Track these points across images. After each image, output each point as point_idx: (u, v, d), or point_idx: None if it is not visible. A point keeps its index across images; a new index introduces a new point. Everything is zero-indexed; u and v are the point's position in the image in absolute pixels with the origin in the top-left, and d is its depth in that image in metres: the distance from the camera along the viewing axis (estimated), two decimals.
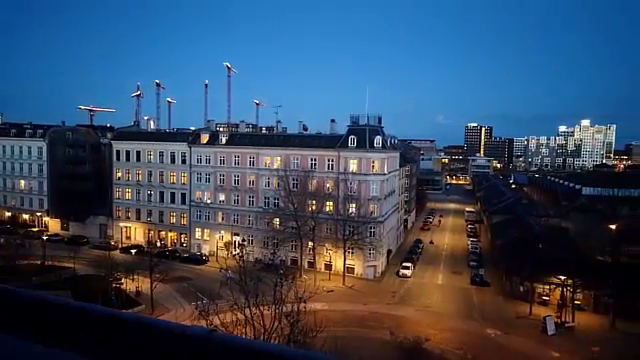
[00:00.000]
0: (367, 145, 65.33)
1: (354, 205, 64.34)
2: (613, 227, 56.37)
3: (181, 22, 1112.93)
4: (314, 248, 64.44)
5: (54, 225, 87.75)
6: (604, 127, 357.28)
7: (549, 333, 45.75)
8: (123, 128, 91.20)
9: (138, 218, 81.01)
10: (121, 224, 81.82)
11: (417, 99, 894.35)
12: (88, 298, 43.53)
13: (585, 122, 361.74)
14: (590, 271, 49.87)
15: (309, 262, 65.81)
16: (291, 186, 66.01)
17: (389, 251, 73.51)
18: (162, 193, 78.83)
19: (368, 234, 64.24)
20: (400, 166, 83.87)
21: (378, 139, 66.13)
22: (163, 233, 79.60)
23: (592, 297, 52.88)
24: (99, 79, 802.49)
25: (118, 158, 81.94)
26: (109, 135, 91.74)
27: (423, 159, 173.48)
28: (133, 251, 66.40)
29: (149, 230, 79.68)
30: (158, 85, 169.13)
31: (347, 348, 27.35)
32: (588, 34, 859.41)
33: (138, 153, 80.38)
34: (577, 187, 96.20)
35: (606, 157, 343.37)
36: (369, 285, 61.34)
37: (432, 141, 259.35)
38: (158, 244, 76.57)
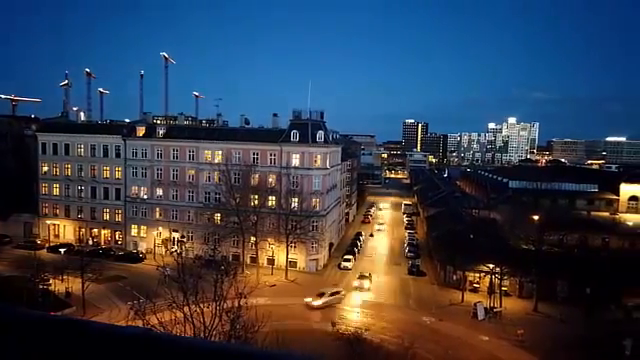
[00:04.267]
0: (309, 140, 65.67)
1: (297, 199, 64.55)
2: (536, 218, 60.76)
3: (116, 7, 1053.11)
4: (256, 243, 63.99)
5: None
6: (529, 125, 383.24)
7: (479, 318, 48.71)
8: (50, 119, 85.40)
9: (67, 215, 76.33)
10: (48, 222, 76.70)
11: (358, 95, 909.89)
12: (11, 301, 40.47)
13: (512, 120, 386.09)
14: (516, 259, 53.54)
15: (251, 257, 65.28)
16: (233, 181, 64.93)
17: (331, 244, 74.59)
18: (94, 188, 74.75)
19: (311, 228, 64.72)
20: (342, 160, 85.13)
21: (320, 134, 66.68)
22: (96, 231, 75.59)
23: (517, 283, 56.79)
24: (22, 66, 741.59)
25: (44, 151, 76.56)
26: (34, 127, 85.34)
27: (364, 154, 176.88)
28: (62, 250, 62.62)
29: (80, 228, 75.39)
30: (89, 74, 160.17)
31: (289, 342, 27.51)
32: (513, 40, 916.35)
33: (67, 146, 75.61)
34: (504, 181, 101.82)
35: (530, 152, 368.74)
36: (311, 278, 61.91)
37: (372, 136, 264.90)
38: (90, 242, 72.95)
